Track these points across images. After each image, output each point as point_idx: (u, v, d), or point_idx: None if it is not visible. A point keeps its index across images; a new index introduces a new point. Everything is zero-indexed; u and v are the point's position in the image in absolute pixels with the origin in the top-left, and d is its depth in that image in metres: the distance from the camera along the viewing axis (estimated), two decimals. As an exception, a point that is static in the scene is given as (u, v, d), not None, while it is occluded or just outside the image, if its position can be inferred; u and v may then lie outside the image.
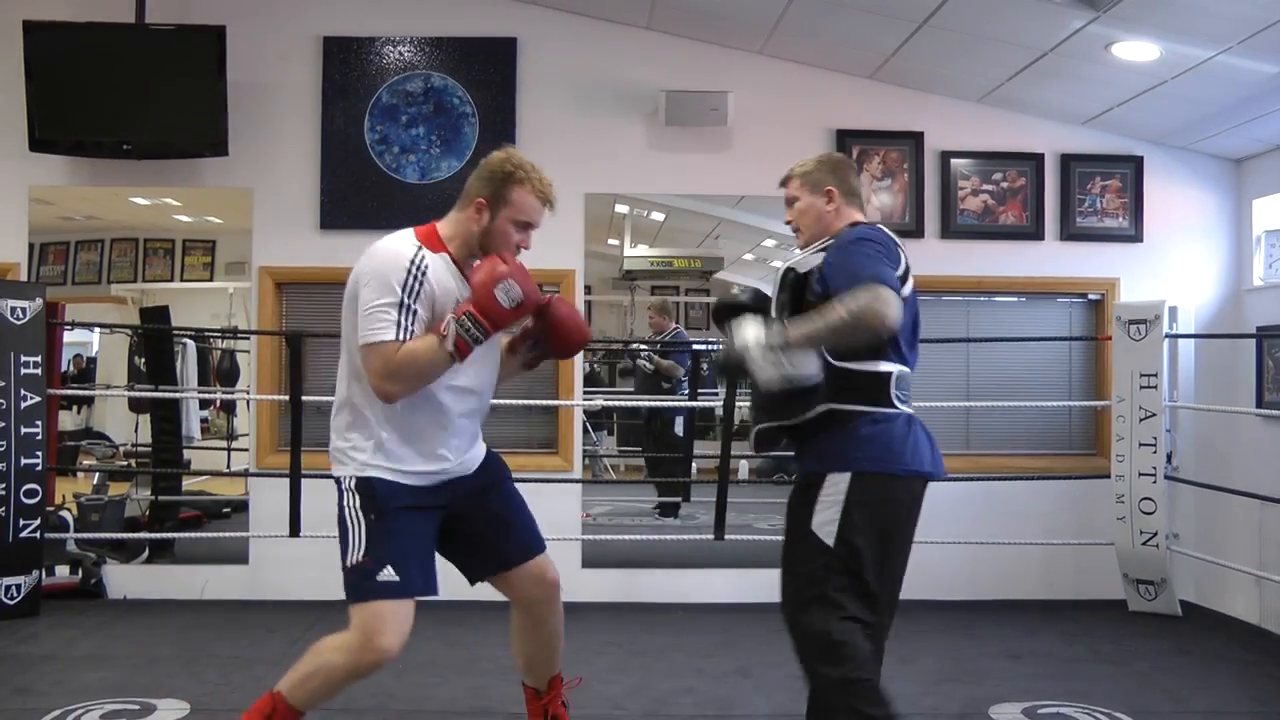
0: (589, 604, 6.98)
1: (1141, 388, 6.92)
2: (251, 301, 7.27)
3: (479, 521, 3.94)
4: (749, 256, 9.88)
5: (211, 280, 11.44)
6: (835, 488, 3.46)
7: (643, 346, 9.50)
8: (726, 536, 6.54)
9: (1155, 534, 6.86)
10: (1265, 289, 7.24)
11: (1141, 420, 6.91)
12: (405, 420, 3.66)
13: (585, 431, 7.84)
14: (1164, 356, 6.95)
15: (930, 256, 7.41)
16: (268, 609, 6.82)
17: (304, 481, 6.27)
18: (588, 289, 7.85)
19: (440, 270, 3.61)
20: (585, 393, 7.91)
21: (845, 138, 7.43)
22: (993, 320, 7.66)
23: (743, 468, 8.98)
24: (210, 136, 6.86)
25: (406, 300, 3.51)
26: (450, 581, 7.04)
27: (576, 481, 7.32)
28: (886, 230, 3.67)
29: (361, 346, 3.55)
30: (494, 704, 5.05)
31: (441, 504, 3.80)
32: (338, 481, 3.78)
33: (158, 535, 7.57)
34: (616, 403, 9.55)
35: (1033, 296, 7.66)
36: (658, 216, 9.25)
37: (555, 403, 7.20)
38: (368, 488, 3.68)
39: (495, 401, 7.09)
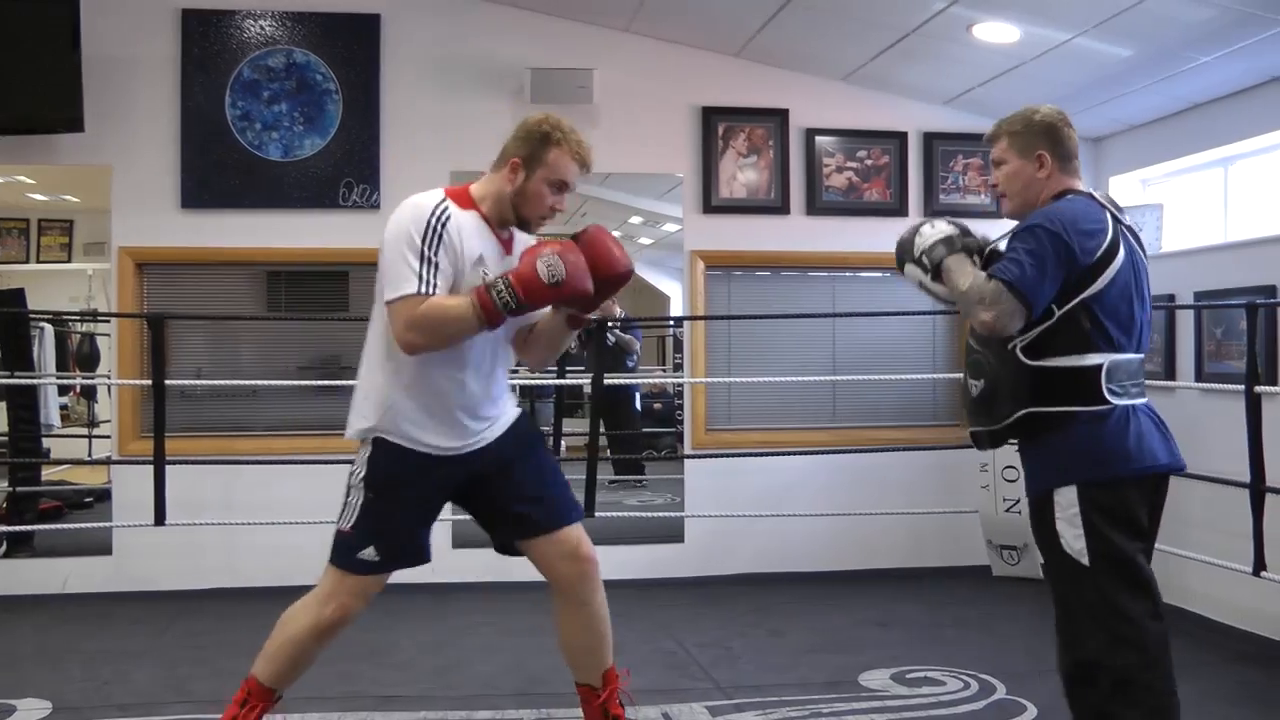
0: (460, 584, 6.96)
1: (1003, 360, 7.04)
2: (111, 283, 7.08)
3: (500, 490, 3.82)
4: (615, 233, 9.87)
5: (69, 261, 11.16)
6: (1068, 501, 3.29)
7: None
8: (597, 514, 6.54)
9: (1018, 501, 7.00)
10: (1121, 262, 7.40)
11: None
12: (422, 394, 3.61)
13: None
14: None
15: (796, 233, 7.50)
16: (133, 601, 6.66)
17: (169, 468, 6.14)
18: (455, 268, 7.79)
19: (467, 225, 3.55)
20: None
21: (711, 115, 7.46)
22: (858, 295, 7.75)
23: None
24: (65, 112, 6.65)
25: (426, 251, 3.44)
26: (313, 565, 6.97)
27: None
28: (1096, 201, 3.38)
29: (386, 303, 3.49)
30: (364, 689, 5.01)
31: (454, 478, 3.75)
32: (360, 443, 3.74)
33: (16, 529, 7.36)
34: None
35: (897, 272, 7.75)
36: (525, 194, 9.21)
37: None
38: (374, 457, 3.67)
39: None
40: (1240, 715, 4.72)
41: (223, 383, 6.95)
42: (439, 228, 3.47)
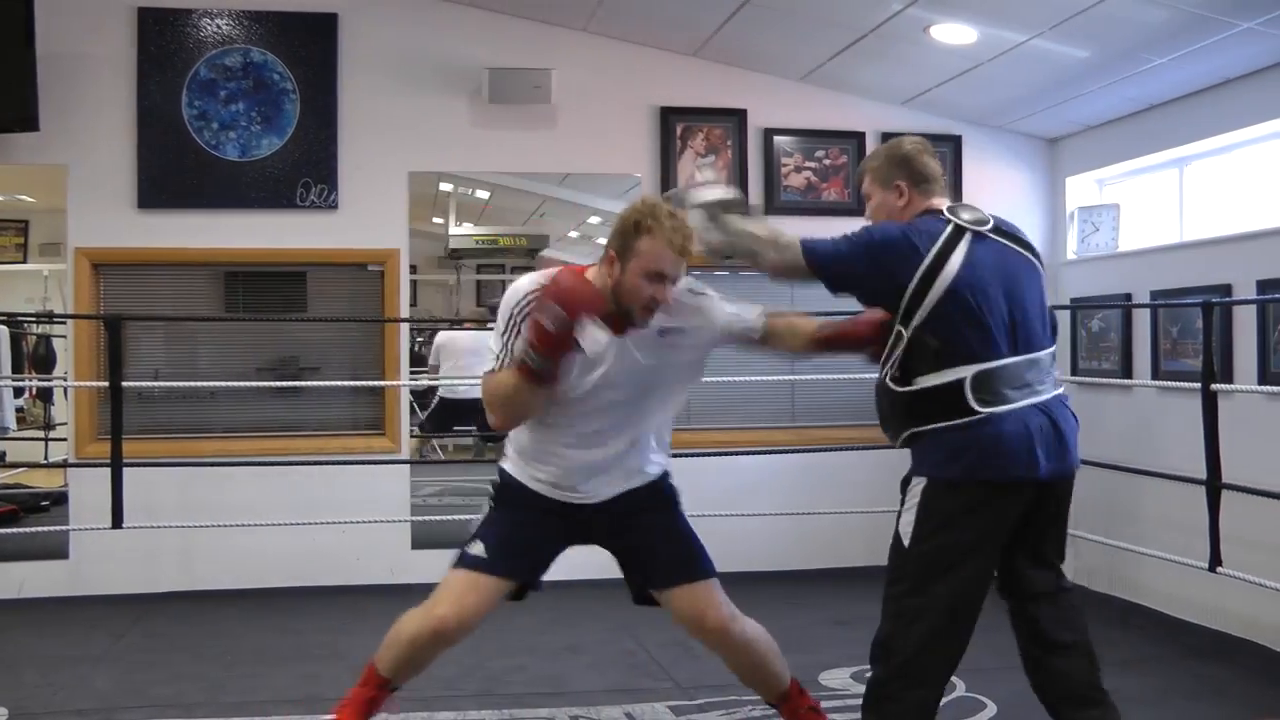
0: (419, 585, 6.88)
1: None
2: (67, 284, 7.01)
3: (619, 548, 3.93)
4: (574, 234, 9.90)
5: (25, 262, 11.10)
6: (914, 490, 3.47)
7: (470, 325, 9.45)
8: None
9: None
10: (1078, 263, 7.47)
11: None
12: (534, 445, 3.77)
13: (412, 412, 7.78)
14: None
15: (755, 232, 7.50)
16: (90, 605, 6.59)
17: (126, 471, 6.10)
18: (413, 269, 7.78)
19: None
20: (411, 373, 7.86)
21: (669, 115, 7.46)
22: (817, 295, 7.68)
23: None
24: (19, 110, 6.57)
25: (506, 338, 3.56)
26: (271, 568, 6.95)
27: (404, 462, 7.26)
28: (943, 217, 3.47)
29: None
30: (324, 691, 4.98)
31: (569, 518, 3.82)
32: None
33: (-30, 530, 7.30)
34: (444, 381, 9.48)
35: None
36: (482, 195, 9.23)
37: (381, 383, 7.11)
38: (499, 479, 3.87)
39: (320, 383, 7.04)
40: (1197, 709, 4.76)
41: (181, 384, 6.92)
42: (519, 316, 3.53)
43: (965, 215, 3.48)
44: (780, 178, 7.58)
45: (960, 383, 3.32)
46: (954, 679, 4.98)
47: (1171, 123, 6.71)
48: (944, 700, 4.74)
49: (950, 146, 7.73)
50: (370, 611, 6.39)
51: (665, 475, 3.96)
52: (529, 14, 7.24)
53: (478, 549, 3.74)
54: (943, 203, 3.58)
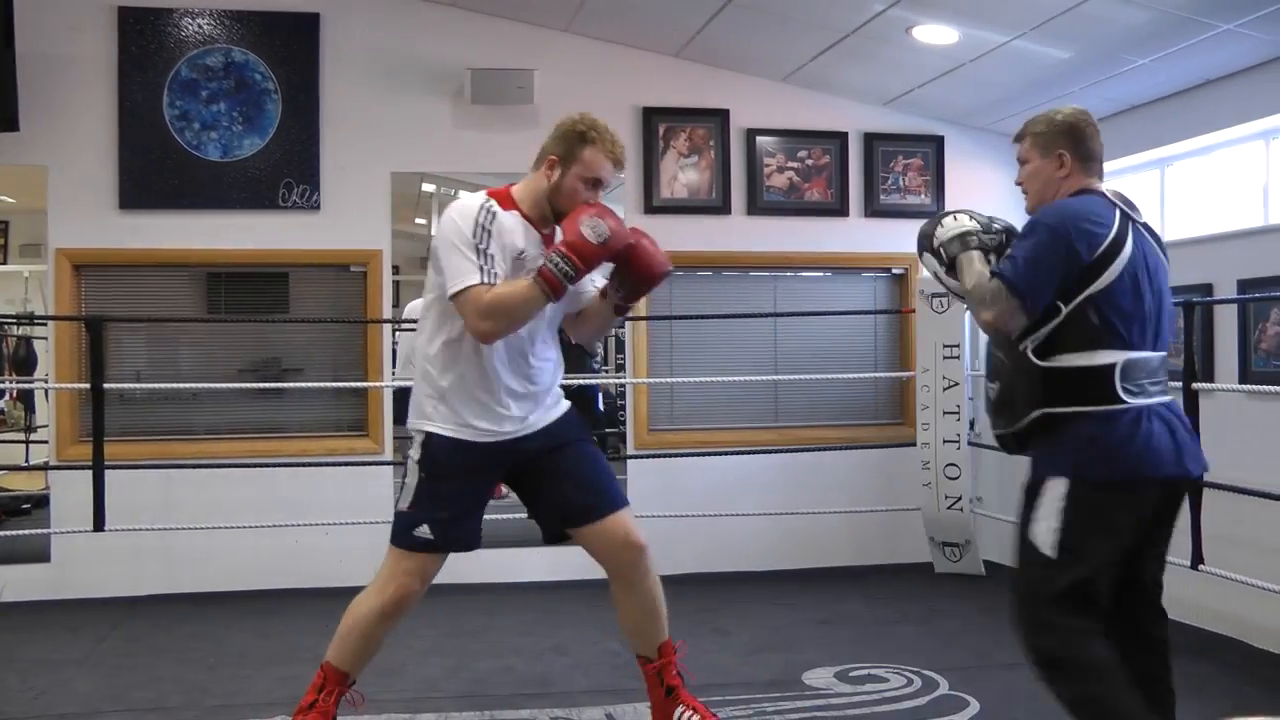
0: (404, 586, 6.93)
1: (944, 358, 7.12)
2: (48, 285, 6.98)
3: (545, 479, 3.98)
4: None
5: (5, 263, 11.08)
6: (1054, 493, 3.28)
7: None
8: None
9: (960, 498, 7.07)
10: (1058, 261, 7.48)
11: (945, 389, 7.11)
12: (466, 381, 3.81)
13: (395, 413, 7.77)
14: (965, 328, 7.16)
15: (737, 233, 7.52)
16: (72, 608, 6.55)
17: (107, 473, 6.08)
18: (395, 269, 7.77)
19: (510, 224, 3.76)
20: (394, 374, 7.85)
21: (652, 115, 7.47)
22: (799, 295, 7.78)
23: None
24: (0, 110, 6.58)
25: (480, 245, 3.67)
26: (253, 570, 6.93)
27: (387, 464, 7.25)
28: (1106, 198, 3.42)
29: (452, 297, 3.67)
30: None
31: (502, 464, 3.92)
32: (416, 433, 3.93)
33: (-49, 533, 7.28)
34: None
35: (838, 271, 7.80)
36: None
37: (364, 384, 7.10)
38: (428, 443, 3.86)
39: (304, 385, 7.03)
40: (1180, 706, 4.76)
41: (163, 386, 6.90)
42: (487, 224, 3.70)
43: (1126, 203, 3.42)
44: (763, 178, 7.59)
45: (1111, 368, 3.24)
46: (936, 677, 5.04)
47: (1152, 123, 6.73)
48: (928, 698, 4.78)
49: (933, 146, 7.76)
50: (353, 613, 6.39)
51: (572, 406, 4.08)
52: (511, 14, 7.24)
53: (424, 531, 3.85)
54: (1098, 184, 3.50)
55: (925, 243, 3.64)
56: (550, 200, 3.81)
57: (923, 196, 7.73)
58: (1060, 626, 3.24)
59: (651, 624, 4.11)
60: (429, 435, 3.86)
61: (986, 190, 7.75)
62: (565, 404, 4.06)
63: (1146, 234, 3.41)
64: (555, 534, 4.07)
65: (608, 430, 9.25)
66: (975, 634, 5.87)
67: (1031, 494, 3.33)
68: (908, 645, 5.60)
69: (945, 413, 7.11)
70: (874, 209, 7.69)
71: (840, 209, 7.67)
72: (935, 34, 6.34)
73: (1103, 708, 3.19)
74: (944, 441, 7.12)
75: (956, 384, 7.10)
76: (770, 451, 7.33)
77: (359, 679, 4.01)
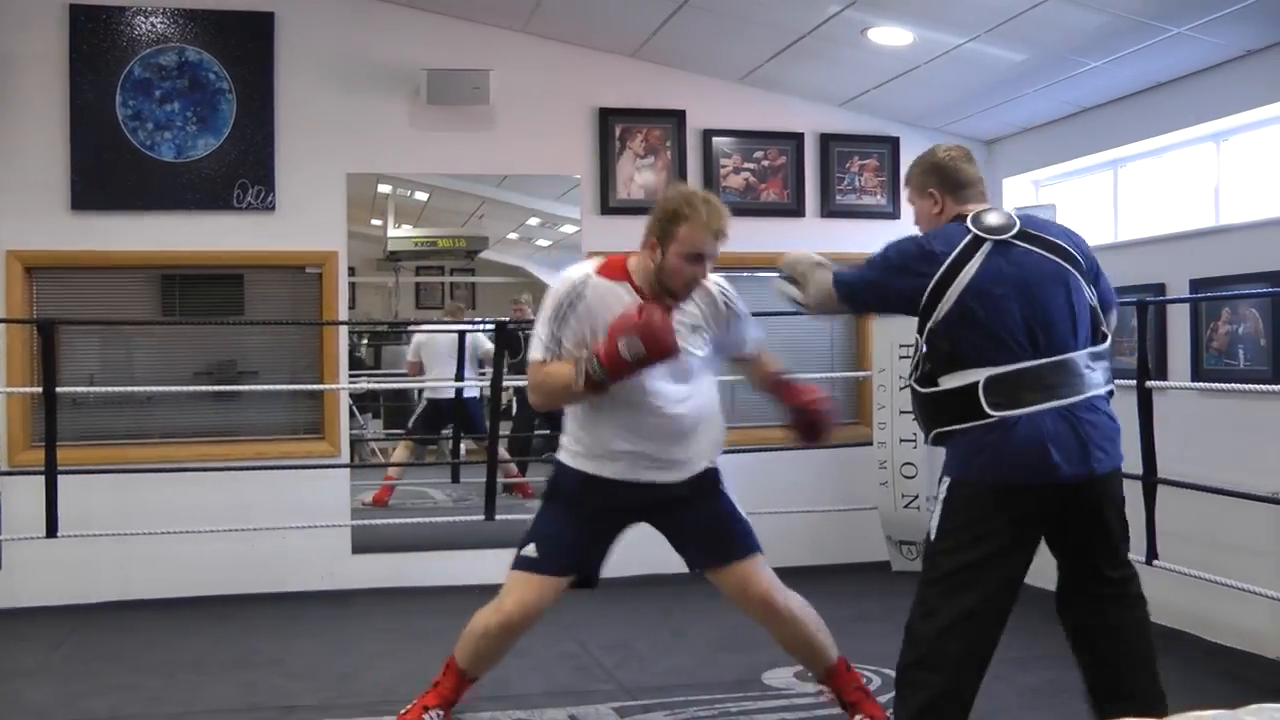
0: (360, 590, 6.92)
1: (900, 358, 7.15)
2: (-1, 288, 6.92)
3: (673, 529, 4.18)
4: (513, 236, 9.88)
5: (-47, 267, 10.91)
6: (941, 490, 3.56)
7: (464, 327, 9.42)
8: (497, 516, 6.52)
9: (916, 496, 7.10)
10: (1013, 262, 7.54)
11: (901, 389, 7.14)
12: (592, 426, 4.01)
13: (351, 415, 7.74)
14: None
15: (695, 234, 7.52)
16: (24, 617, 6.49)
17: (60, 479, 6.01)
18: (351, 270, 7.74)
19: (612, 297, 3.89)
20: (350, 376, 7.81)
21: (608, 116, 7.47)
22: (756, 295, 7.70)
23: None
24: (-54, 111, 6.49)
25: (553, 327, 3.90)
26: (209, 575, 6.88)
27: (343, 466, 7.22)
28: (965, 225, 3.54)
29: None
30: (264, 699, 4.95)
31: (630, 504, 4.07)
32: None
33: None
34: (382, 385, 9.45)
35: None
36: (421, 196, 9.18)
37: (320, 387, 7.06)
38: (553, 472, 4.18)
39: (260, 387, 6.99)
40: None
41: (116, 389, 6.82)
42: (567, 309, 3.89)
43: (989, 221, 3.54)
44: (719, 178, 7.60)
45: (974, 386, 3.40)
46: (887, 672, 5.05)
47: (1106, 125, 6.79)
48: (887, 696, 4.79)
49: (888, 148, 7.80)
50: (310, 617, 6.39)
51: (715, 467, 4.25)
52: (467, 15, 7.22)
53: (530, 550, 4.05)
54: (973, 209, 3.62)
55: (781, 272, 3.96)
56: (659, 280, 3.89)
57: (878, 197, 7.77)
58: (934, 607, 3.49)
59: (806, 655, 4.31)
60: (558, 463, 4.13)
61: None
62: (706, 464, 4.18)
63: (1026, 243, 3.51)
64: (695, 570, 4.27)
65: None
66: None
67: (937, 486, 3.61)
68: (866, 644, 5.60)
69: (901, 412, 7.15)
70: (830, 209, 7.72)
71: (796, 209, 7.69)
72: (890, 36, 6.37)
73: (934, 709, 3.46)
74: (900, 441, 7.16)
75: (912, 384, 7.14)
76: (728, 452, 7.28)
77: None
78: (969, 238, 3.48)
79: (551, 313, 3.90)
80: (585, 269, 3.98)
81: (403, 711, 4.25)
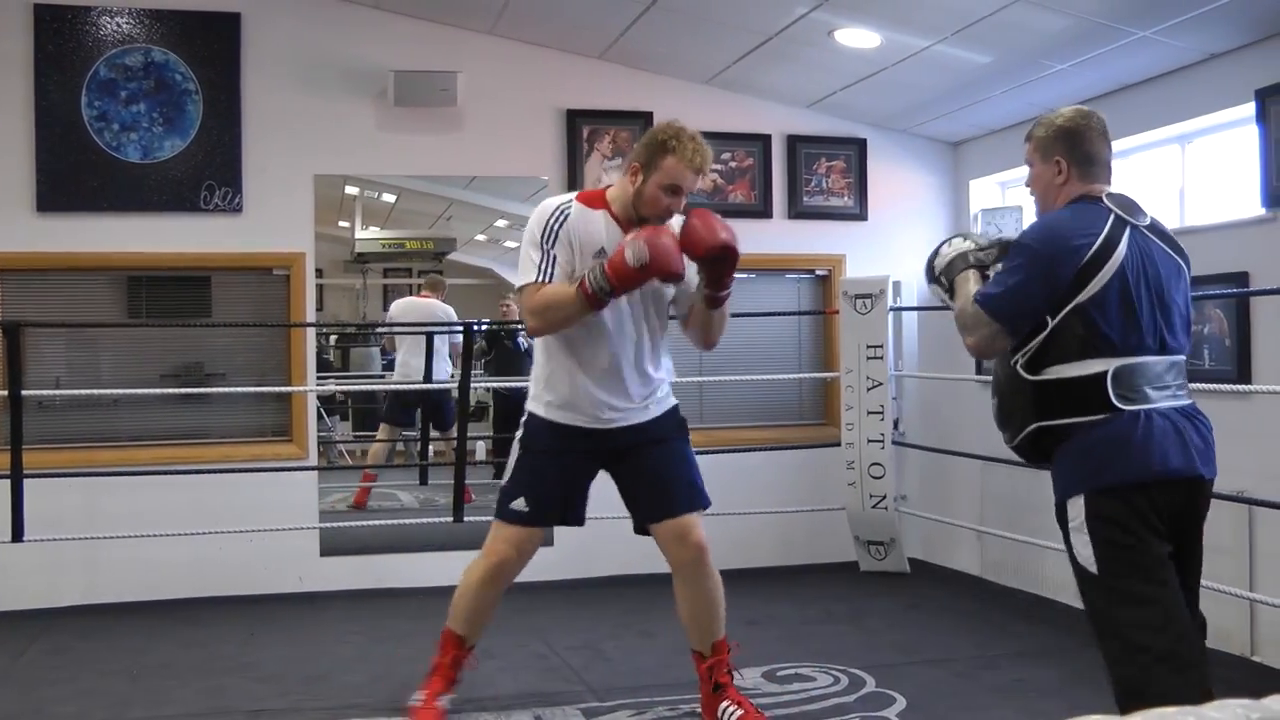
0: (328, 592, 6.90)
1: (869, 359, 7.18)
2: (-38, 291, 6.87)
3: (632, 474, 4.32)
4: (481, 237, 9.88)
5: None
6: (1076, 511, 3.25)
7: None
8: (465, 518, 6.52)
9: (884, 497, 7.13)
10: (980, 263, 7.57)
11: (869, 389, 7.16)
12: (566, 376, 4.18)
13: (319, 417, 7.72)
14: (889, 328, 7.23)
15: (663, 235, 7.52)
16: (-12, 620, 6.46)
17: (26, 482, 5.97)
18: (319, 272, 7.72)
19: (592, 222, 4.11)
20: (318, 378, 7.79)
21: (576, 118, 7.47)
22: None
23: (479, 448, 8.99)
24: (-92, 111, 6.43)
25: (545, 246, 4.05)
26: (177, 579, 6.84)
27: (312, 469, 7.19)
28: (1101, 204, 3.36)
29: (516, 291, 4.17)
30: (232, 703, 4.93)
31: (598, 448, 4.25)
32: None
33: None
34: (351, 387, 9.42)
35: (762, 273, 7.81)
36: (389, 198, 9.17)
37: (288, 389, 7.04)
38: (528, 422, 4.31)
39: (226, 389, 6.96)
40: (1103, 699, 4.82)
41: (83, 392, 6.77)
42: (556, 226, 4.07)
43: (1123, 207, 3.36)
44: (687, 180, 7.59)
45: (1102, 376, 3.20)
46: (863, 675, 5.09)
47: (1071, 126, 6.82)
48: (854, 696, 4.82)
49: (856, 149, 7.82)
50: (279, 620, 6.37)
51: (676, 405, 4.45)
52: (434, 16, 7.21)
53: (520, 504, 4.22)
54: (1103, 190, 3.42)
55: (929, 274, 3.70)
56: (634, 206, 4.05)
57: (846, 198, 7.79)
58: (1143, 644, 3.15)
59: (706, 620, 4.42)
60: (529, 414, 4.29)
61: (909, 192, 7.85)
62: (670, 402, 4.39)
63: (1152, 234, 3.38)
64: (639, 528, 4.40)
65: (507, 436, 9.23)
66: (900, 631, 5.93)
67: (1060, 517, 3.33)
68: (834, 644, 5.64)
69: (869, 412, 7.17)
70: (797, 211, 7.74)
71: (764, 211, 7.71)
72: (857, 38, 6.39)
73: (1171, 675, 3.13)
74: (868, 441, 7.18)
75: (880, 384, 7.16)
76: (696, 452, 7.34)
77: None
78: (1113, 218, 3.30)
79: (541, 234, 4.06)
80: (566, 196, 4.19)
81: (418, 703, 4.38)
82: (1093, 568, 3.21)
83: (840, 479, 7.34)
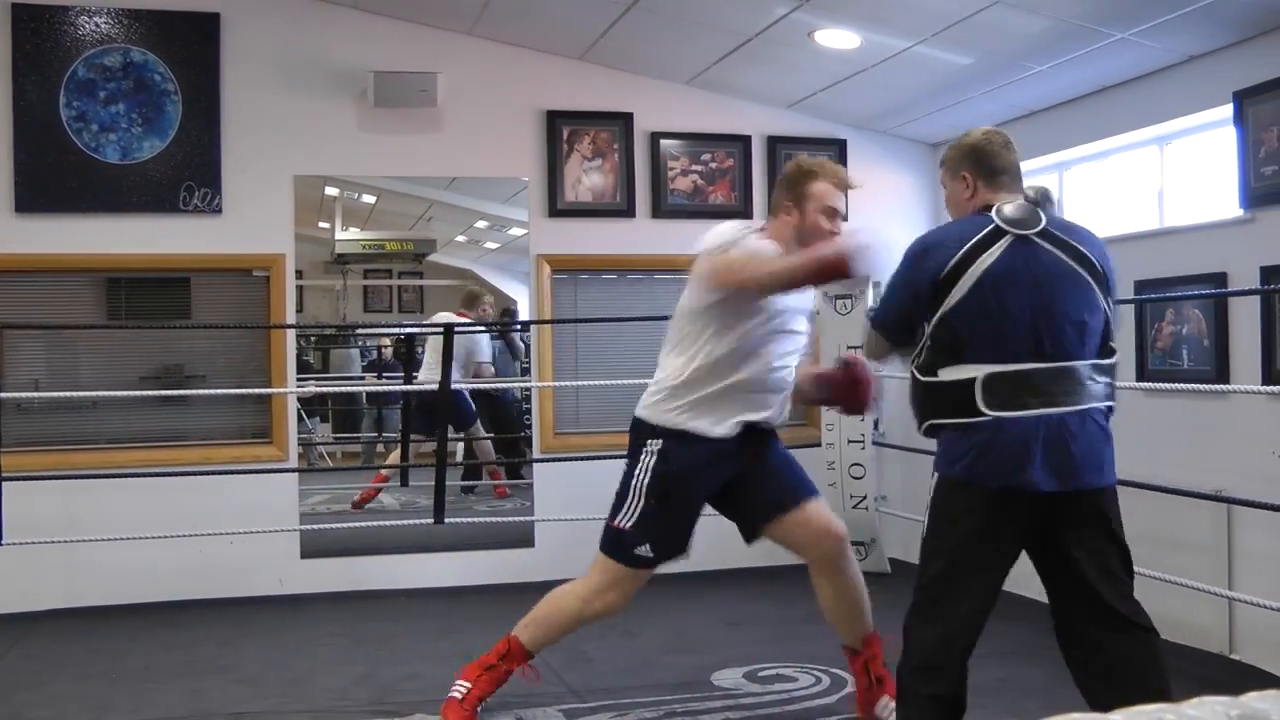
0: (309, 595, 6.88)
1: (848, 360, 7.18)
2: (-60, 293, 6.83)
3: (753, 475, 4.25)
4: (461, 238, 9.86)
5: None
6: (932, 488, 3.51)
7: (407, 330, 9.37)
8: (446, 520, 6.51)
9: (865, 497, 7.14)
10: (959, 263, 7.59)
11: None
12: (714, 385, 4.07)
13: (299, 419, 7.70)
14: (869, 329, 7.22)
15: (642, 236, 7.54)
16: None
17: (5, 485, 5.94)
18: (299, 273, 7.70)
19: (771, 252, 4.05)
20: (298, 379, 7.77)
21: (556, 119, 7.47)
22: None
23: (459, 449, 8.97)
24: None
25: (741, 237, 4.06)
26: (157, 582, 6.81)
27: (292, 471, 7.18)
28: (986, 215, 3.47)
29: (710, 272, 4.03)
30: (213, 706, 4.91)
31: (732, 467, 4.19)
32: (639, 439, 4.20)
33: None
34: (331, 389, 9.40)
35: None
36: (369, 199, 9.15)
37: (268, 390, 7.02)
38: (664, 457, 4.11)
39: (206, 391, 6.93)
40: (1061, 692, 4.86)
41: (62, 394, 6.73)
42: (745, 233, 4.11)
43: (1011, 214, 3.43)
44: (667, 181, 7.61)
45: (971, 382, 3.33)
46: (844, 675, 5.08)
47: (1051, 129, 6.85)
48: (836, 696, 4.83)
49: (835, 150, 7.83)
50: (260, 623, 6.35)
51: None
52: (414, 17, 7.20)
53: (644, 551, 4.15)
54: (1004, 198, 3.52)
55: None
56: (801, 243, 4.01)
57: (826, 199, 7.79)
58: (926, 612, 3.47)
59: (856, 614, 4.36)
60: (665, 439, 4.12)
61: (889, 193, 7.84)
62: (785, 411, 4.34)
63: (1047, 243, 3.41)
64: (754, 532, 4.36)
65: (510, 435, 9.22)
66: (881, 631, 5.92)
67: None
68: (815, 644, 5.63)
69: (850, 413, 7.19)
70: (778, 212, 7.74)
71: (744, 211, 7.71)
72: (837, 39, 6.40)
73: (919, 678, 3.45)
74: (849, 441, 7.19)
75: (861, 385, 7.17)
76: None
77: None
78: (990, 228, 3.39)
79: (734, 231, 4.08)
80: (744, 224, 4.22)
81: (457, 699, 4.37)
82: (923, 532, 3.51)
83: (821, 479, 7.33)
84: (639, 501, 4.13)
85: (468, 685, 4.39)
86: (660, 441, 4.12)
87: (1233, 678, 5.15)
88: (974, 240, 3.37)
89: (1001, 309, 3.33)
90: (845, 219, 4.17)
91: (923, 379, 3.46)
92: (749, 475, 4.24)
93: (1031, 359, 3.32)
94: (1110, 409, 3.50)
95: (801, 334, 4.25)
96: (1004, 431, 3.29)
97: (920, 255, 3.48)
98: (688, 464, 4.11)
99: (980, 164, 3.59)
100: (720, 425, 4.07)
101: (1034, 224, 3.43)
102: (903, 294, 3.52)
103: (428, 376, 8.56)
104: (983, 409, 3.31)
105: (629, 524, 4.14)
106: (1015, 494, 3.30)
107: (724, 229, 4.09)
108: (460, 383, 7.84)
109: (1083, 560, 3.40)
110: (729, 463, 4.16)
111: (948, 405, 3.41)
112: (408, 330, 8.63)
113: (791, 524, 4.25)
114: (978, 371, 3.32)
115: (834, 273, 3.77)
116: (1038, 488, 3.28)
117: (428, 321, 9.12)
